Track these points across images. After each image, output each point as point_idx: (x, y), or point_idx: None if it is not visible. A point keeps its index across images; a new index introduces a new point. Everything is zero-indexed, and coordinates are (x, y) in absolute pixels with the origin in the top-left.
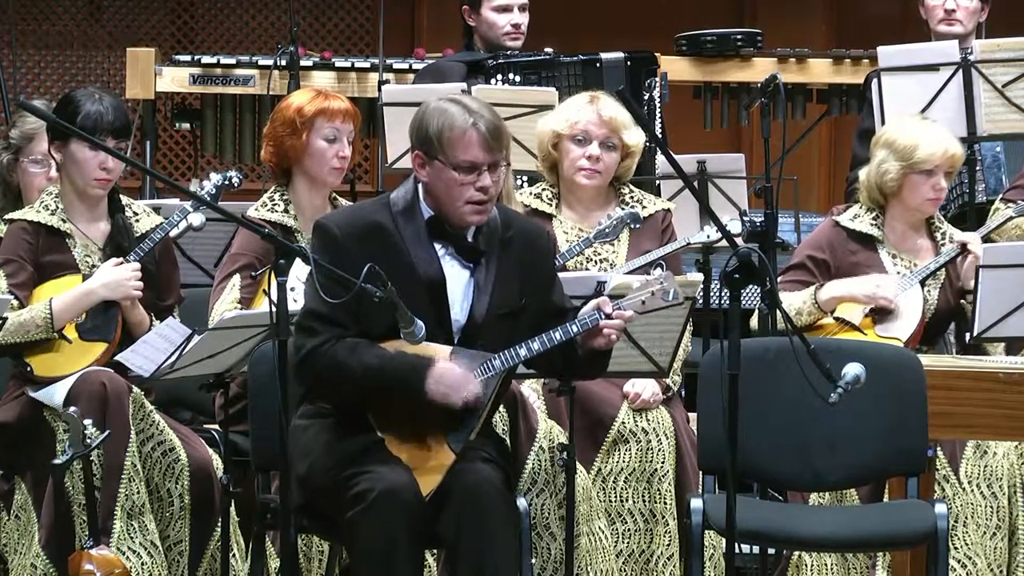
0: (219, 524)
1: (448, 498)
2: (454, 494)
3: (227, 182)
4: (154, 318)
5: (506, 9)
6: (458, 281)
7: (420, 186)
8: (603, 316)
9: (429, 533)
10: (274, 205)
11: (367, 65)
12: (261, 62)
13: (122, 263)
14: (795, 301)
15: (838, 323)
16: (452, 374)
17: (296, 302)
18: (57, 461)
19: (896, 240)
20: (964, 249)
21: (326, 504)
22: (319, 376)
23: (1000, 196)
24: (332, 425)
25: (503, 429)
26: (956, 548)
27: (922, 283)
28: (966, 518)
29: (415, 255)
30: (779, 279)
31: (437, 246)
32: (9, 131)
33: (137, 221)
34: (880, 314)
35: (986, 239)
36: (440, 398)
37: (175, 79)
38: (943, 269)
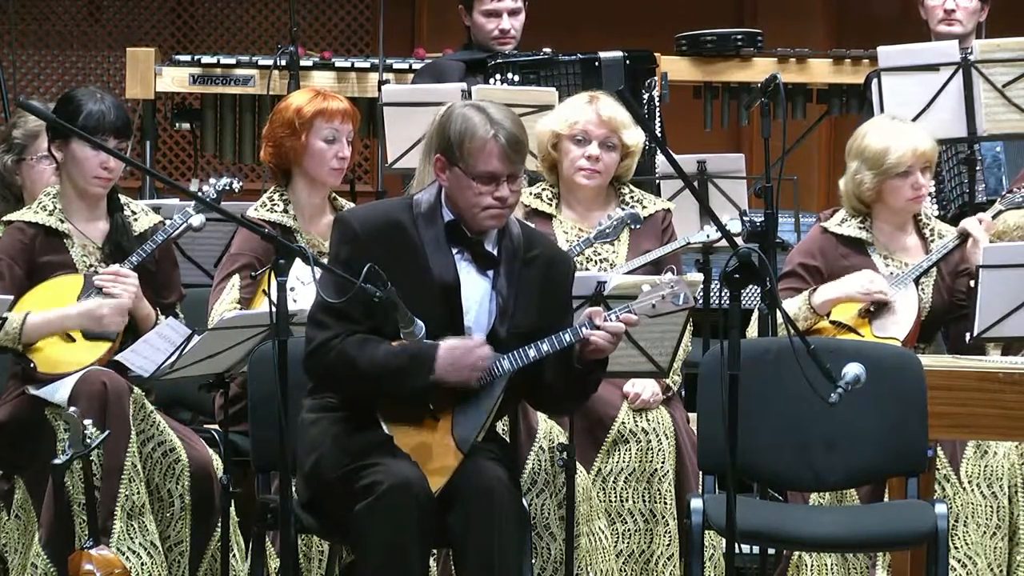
0: (219, 524)
1: (458, 496)
2: (464, 492)
3: (227, 188)
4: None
5: (494, 14)
6: (473, 288)
7: (443, 189)
8: (591, 326)
9: (436, 531)
10: (273, 205)
11: (367, 65)
12: (261, 62)
13: (112, 304)
14: (790, 308)
15: (835, 327)
16: (456, 348)
17: (296, 302)
18: (57, 461)
19: (885, 241)
20: (965, 235)
21: (332, 499)
22: (328, 369)
23: (1000, 197)
24: (339, 420)
25: (503, 429)
26: (956, 548)
27: (916, 282)
28: (966, 518)
29: (432, 258)
30: None
31: (454, 250)
32: (11, 132)
33: (135, 220)
34: (877, 313)
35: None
36: (451, 373)
37: (175, 79)
38: (935, 266)
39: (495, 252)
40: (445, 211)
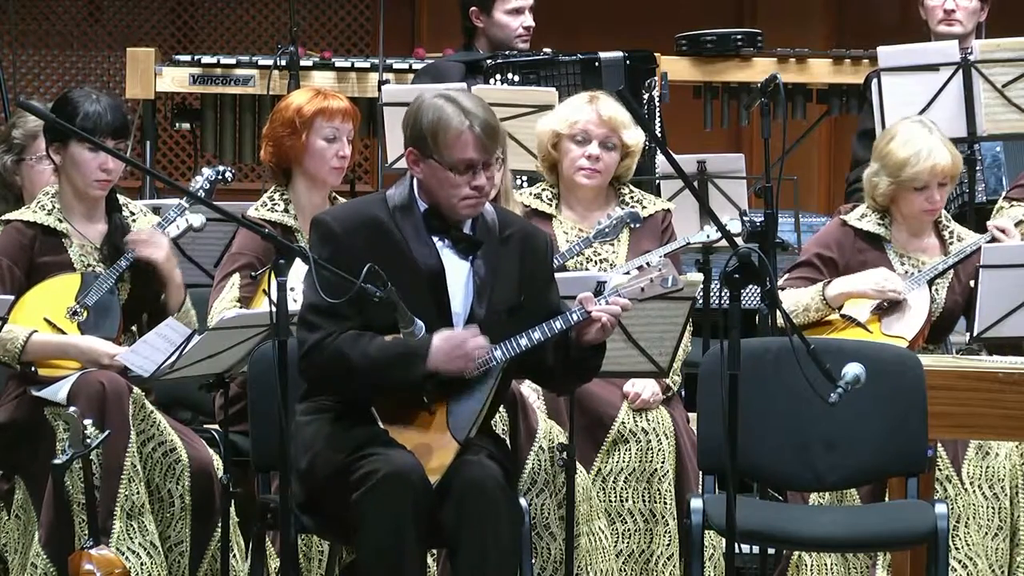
0: (219, 524)
1: (450, 490)
2: (456, 486)
3: (219, 177)
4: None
5: (518, 11)
6: (457, 273)
7: (415, 180)
8: (583, 312)
9: (433, 528)
10: (274, 205)
11: (367, 65)
12: (261, 62)
13: (114, 355)
14: (803, 297)
15: (845, 320)
16: (452, 337)
17: (296, 302)
18: (57, 461)
19: (903, 240)
20: (998, 235)
21: (330, 495)
22: (323, 369)
23: (1003, 195)
24: (333, 419)
25: (503, 429)
26: (957, 548)
27: (930, 283)
28: (967, 519)
29: (414, 249)
30: (787, 276)
31: (435, 238)
32: (10, 132)
33: (134, 221)
34: (888, 311)
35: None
36: (446, 363)
37: (175, 79)
38: (951, 269)
39: (472, 234)
40: (420, 201)
